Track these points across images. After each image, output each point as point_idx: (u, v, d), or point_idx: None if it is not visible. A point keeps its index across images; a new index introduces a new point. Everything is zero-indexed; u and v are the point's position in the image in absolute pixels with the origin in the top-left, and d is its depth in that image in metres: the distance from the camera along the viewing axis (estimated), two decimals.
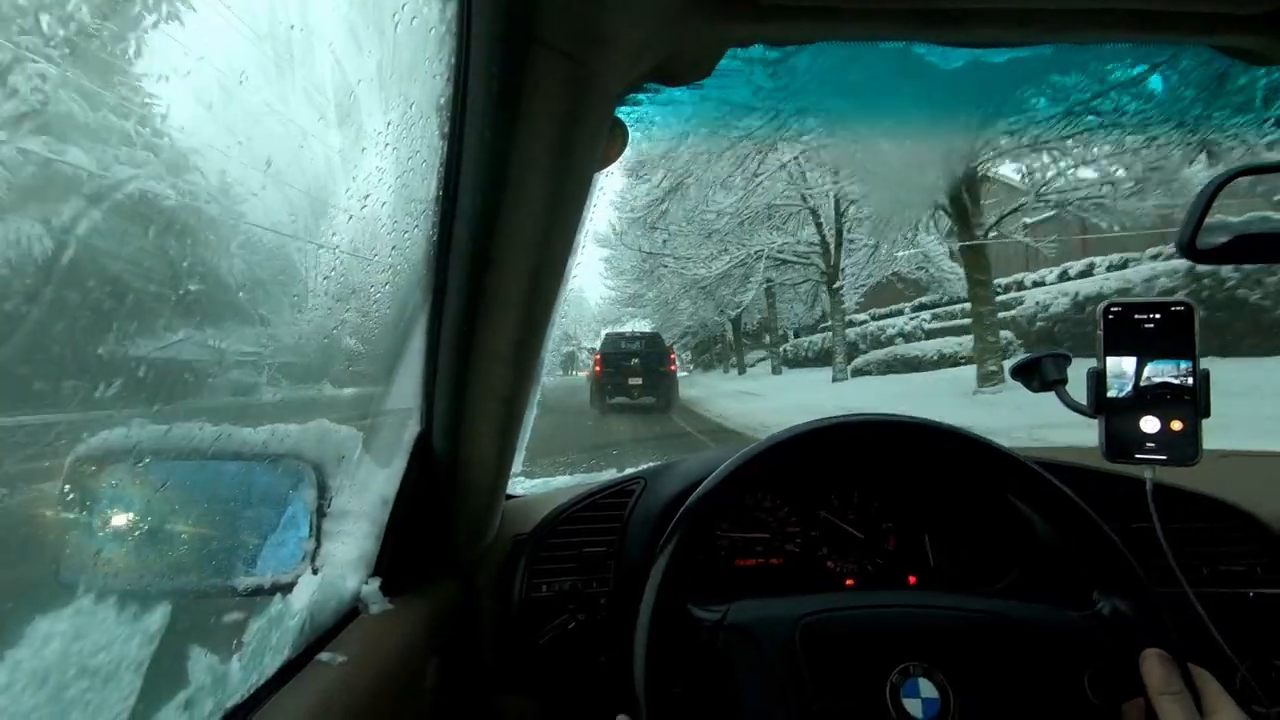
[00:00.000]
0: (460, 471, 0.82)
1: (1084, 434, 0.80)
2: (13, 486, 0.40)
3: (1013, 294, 14.18)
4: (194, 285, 0.52)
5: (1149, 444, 0.69)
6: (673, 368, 12.56)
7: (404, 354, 0.77)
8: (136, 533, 0.60)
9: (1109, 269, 13.43)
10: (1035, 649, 0.65)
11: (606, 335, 14.04)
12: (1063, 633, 0.66)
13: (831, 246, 14.84)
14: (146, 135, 0.45)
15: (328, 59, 0.61)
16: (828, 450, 0.78)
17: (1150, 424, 0.69)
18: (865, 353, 15.52)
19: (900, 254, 15.59)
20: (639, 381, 12.10)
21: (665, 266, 18.99)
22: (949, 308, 16.59)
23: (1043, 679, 0.64)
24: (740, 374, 21.79)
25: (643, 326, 22.93)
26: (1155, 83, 0.69)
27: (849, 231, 14.64)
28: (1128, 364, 0.71)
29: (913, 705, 0.62)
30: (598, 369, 12.45)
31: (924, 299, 19.17)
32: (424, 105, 0.62)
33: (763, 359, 22.05)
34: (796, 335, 22.53)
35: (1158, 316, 0.70)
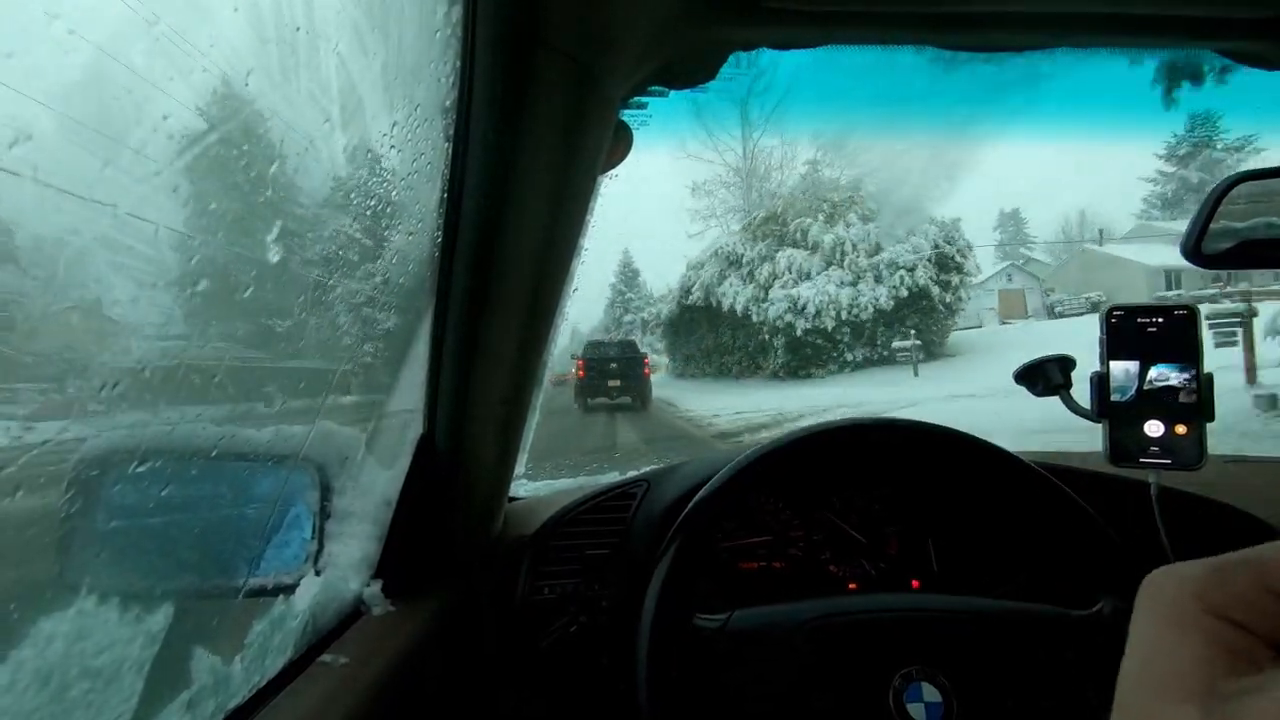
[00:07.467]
0: (463, 473, 0.82)
1: (1087, 438, 0.80)
2: (17, 487, 0.40)
3: None
4: (201, 285, 0.52)
5: (1153, 448, 0.69)
6: (647, 372, 14.51)
7: (407, 355, 0.77)
8: (140, 534, 0.60)
9: None
10: (1038, 651, 0.65)
11: (588, 343, 16.25)
12: (1065, 634, 0.66)
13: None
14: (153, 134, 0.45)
15: (333, 61, 0.61)
16: (829, 454, 0.78)
17: (1154, 428, 0.69)
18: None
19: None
20: (617, 384, 13.84)
21: None
22: None
23: (1046, 681, 0.63)
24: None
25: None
26: (1160, 86, 0.69)
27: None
28: (1131, 368, 0.70)
29: (916, 710, 0.62)
30: (580, 373, 14.15)
31: None
32: (429, 108, 0.62)
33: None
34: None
35: (1161, 320, 0.70)
